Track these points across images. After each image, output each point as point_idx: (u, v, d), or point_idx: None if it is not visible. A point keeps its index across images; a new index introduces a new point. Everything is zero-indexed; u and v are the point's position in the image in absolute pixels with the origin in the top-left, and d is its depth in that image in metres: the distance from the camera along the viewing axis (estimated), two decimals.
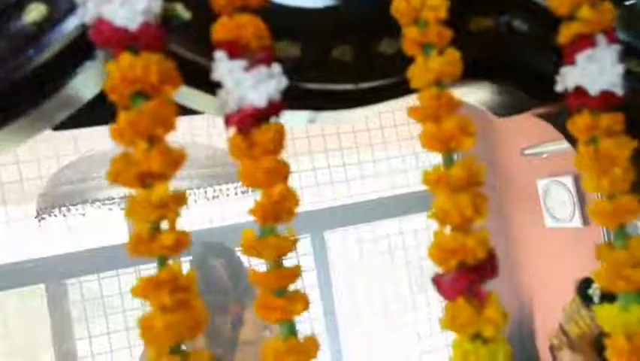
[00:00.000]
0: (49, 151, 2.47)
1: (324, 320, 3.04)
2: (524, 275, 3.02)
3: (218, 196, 1.76)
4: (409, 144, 3.18)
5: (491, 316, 0.42)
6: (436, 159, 0.44)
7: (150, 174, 0.35)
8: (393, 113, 3.13)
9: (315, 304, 3.10)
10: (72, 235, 2.49)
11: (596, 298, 1.13)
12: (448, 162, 0.44)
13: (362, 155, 3.13)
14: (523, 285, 3.04)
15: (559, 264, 2.76)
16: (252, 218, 0.39)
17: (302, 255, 3.11)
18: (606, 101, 0.47)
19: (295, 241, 0.40)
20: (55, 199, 1.70)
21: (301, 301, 0.39)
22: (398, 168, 3.19)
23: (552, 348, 1.21)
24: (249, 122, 0.38)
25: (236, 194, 1.83)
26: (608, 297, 0.50)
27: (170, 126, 0.36)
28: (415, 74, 0.43)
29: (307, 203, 3.10)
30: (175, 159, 0.36)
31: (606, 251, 0.48)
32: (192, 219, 2.53)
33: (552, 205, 2.75)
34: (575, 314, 1.20)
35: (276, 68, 0.39)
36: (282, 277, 0.39)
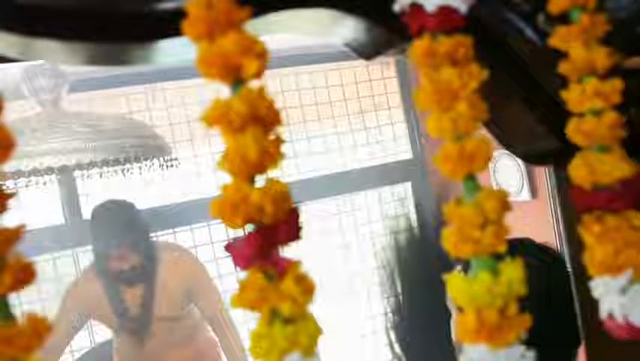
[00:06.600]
0: None
1: None
2: None
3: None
4: (358, 119, 3.09)
5: (287, 289, 0.33)
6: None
7: None
8: (342, 87, 3.04)
9: None
10: None
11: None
12: (235, 93, 0.34)
13: (310, 130, 3.02)
14: None
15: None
16: None
17: None
18: (446, 20, 0.38)
19: None
20: None
21: (13, 271, 0.29)
22: (348, 144, 3.09)
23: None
24: None
25: (161, 166, 1.71)
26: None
27: None
28: None
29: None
30: None
31: (454, 209, 0.39)
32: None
33: (501, 177, 2.68)
34: None
35: None
36: None
